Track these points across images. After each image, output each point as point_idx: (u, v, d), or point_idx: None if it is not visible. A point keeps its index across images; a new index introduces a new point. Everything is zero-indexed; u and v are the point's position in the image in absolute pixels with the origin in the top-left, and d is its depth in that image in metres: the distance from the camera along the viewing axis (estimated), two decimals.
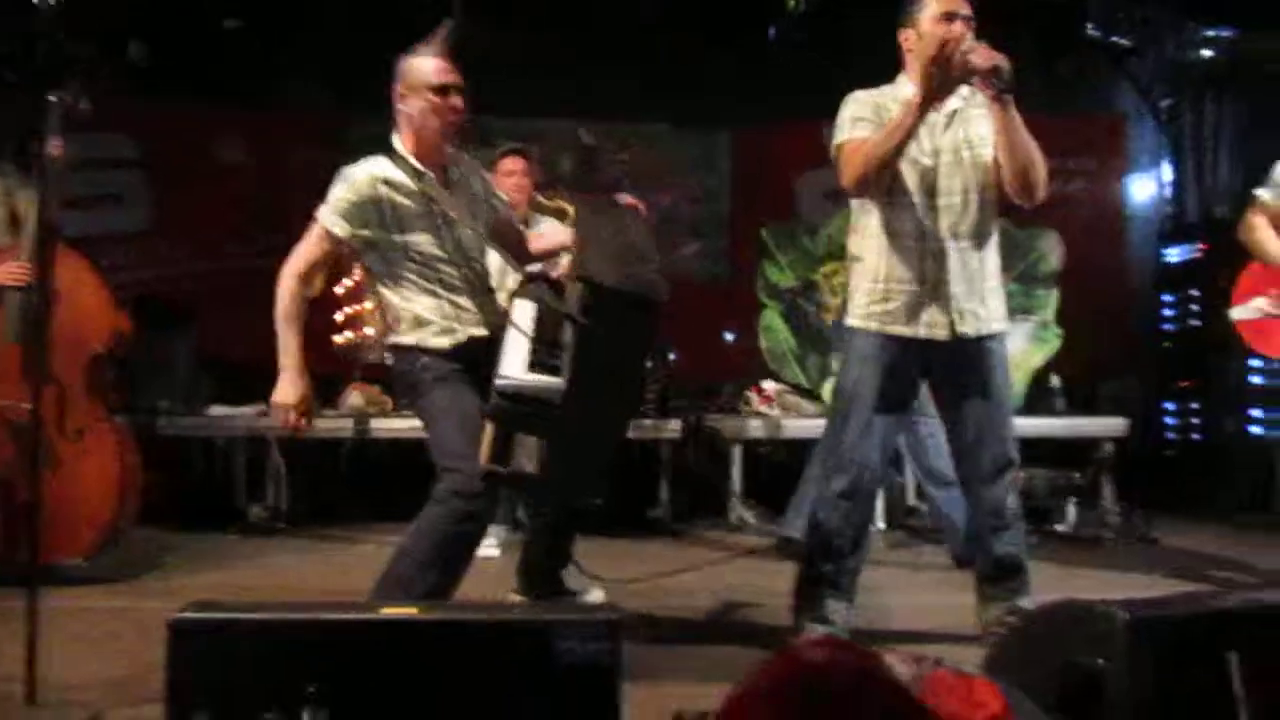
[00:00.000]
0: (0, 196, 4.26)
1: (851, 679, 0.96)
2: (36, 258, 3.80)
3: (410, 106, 2.98)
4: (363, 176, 2.94)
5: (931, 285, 3.05)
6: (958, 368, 3.12)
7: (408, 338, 3.00)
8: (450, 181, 3.06)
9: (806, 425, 5.54)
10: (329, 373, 5.68)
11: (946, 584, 4.15)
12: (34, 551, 2.56)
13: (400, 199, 2.95)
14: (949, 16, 2.98)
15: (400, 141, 3.02)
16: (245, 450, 5.53)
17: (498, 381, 2.69)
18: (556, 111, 6.72)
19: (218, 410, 5.58)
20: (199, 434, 5.68)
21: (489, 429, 2.71)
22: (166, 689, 1.87)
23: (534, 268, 3.22)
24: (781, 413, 5.72)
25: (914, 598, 3.97)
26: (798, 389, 5.95)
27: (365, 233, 2.94)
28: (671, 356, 5.80)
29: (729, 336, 6.87)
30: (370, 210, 2.93)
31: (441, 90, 2.95)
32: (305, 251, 2.97)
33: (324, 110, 6.65)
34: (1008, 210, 3.17)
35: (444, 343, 2.97)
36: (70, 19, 4.05)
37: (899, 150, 2.94)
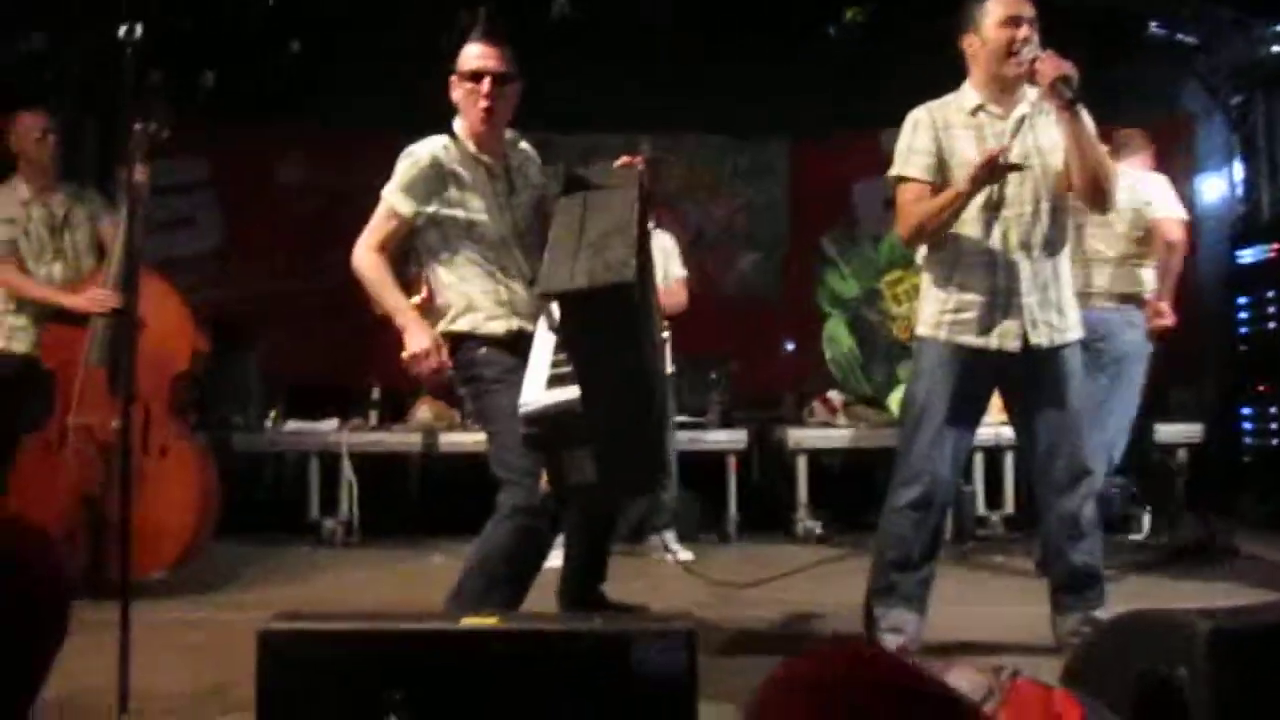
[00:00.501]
0: (86, 222, 4.42)
1: (878, 690, 0.96)
2: (122, 282, 3.98)
3: (455, 93, 3.01)
4: (425, 153, 2.97)
5: (1003, 295, 3.03)
6: (1031, 378, 3.09)
7: (461, 324, 2.99)
8: (510, 169, 3.06)
9: (873, 435, 5.54)
10: (397, 388, 5.85)
11: (1019, 595, 4.11)
12: (126, 567, 2.65)
13: (463, 173, 2.97)
14: (1013, 21, 2.96)
15: (458, 126, 3.04)
16: (318, 465, 5.61)
17: (520, 410, 2.62)
18: (615, 125, 6.67)
19: (292, 425, 5.69)
20: (274, 449, 5.80)
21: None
22: (257, 698, 1.92)
23: None
24: (848, 423, 5.71)
25: (987, 609, 3.93)
26: (864, 399, 5.95)
27: (429, 209, 2.95)
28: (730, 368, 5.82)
29: (789, 346, 6.88)
30: (435, 183, 2.94)
31: (474, 76, 2.95)
32: (374, 229, 2.98)
33: (387, 128, 6.73)
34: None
35: (498, 328, 2.96)
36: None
37: (949, 224, 2.98)
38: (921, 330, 3.17)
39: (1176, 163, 7.03)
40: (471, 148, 3.00)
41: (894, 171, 3.11)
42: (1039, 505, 3.24)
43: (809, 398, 5.94)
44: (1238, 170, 7.02)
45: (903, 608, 3.11)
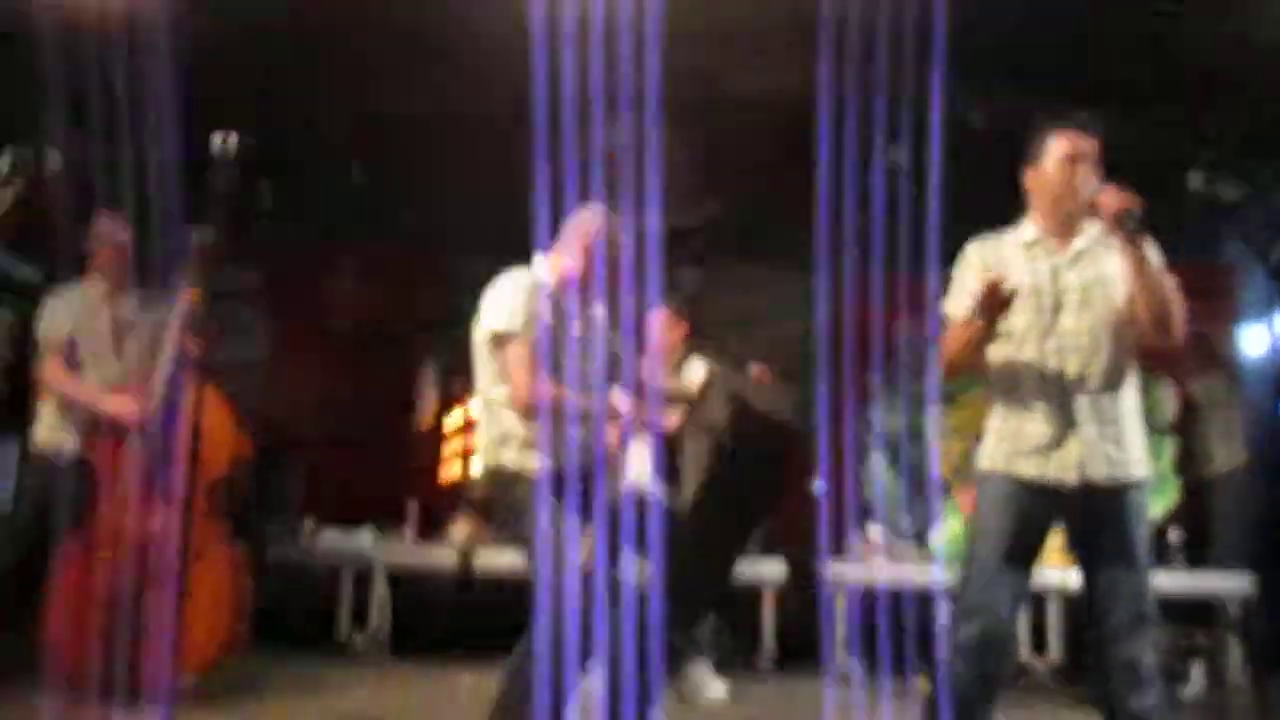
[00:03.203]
0: (151, 328, 4.41)
1: None
2: (168, 389, 4.03)
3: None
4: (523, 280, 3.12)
5: (1059, 427, 2.98)
6: (1089, 516, 3.01)
7: (511, 460, 3.04)
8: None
9: (914, 573, 5.45)
10: (435, 505, 5.89)
11: None
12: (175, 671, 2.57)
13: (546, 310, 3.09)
14: (1073, 159, 3.00)
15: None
16: (351, 579, 5.57)
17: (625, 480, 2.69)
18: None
19: (327, 537, 5.66)
20: (308, 561, 5.75)
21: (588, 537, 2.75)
22: None
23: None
24: (888, 560, 5.62)
25: None
26: (903, 536, 5.89)
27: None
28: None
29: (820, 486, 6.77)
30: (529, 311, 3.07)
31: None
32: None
33: (434, 249, 6.89)
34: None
35: (548, 465, 2.98)
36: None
37: (974, 354, 3.02)
38: (981, 464, 3.12)
39: (1220, 311, 7.04)
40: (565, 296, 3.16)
41: (945, 305, 3.15)
42: (1095, 652, 3.07)
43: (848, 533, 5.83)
44: None
45: None
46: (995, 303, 2.89)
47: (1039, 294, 3.03)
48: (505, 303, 3.07)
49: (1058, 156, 3.03)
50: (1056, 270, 3.05)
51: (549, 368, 3.03)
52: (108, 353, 4.37)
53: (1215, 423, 5.77)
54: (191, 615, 3.87)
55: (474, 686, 4.70)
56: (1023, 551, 3.03)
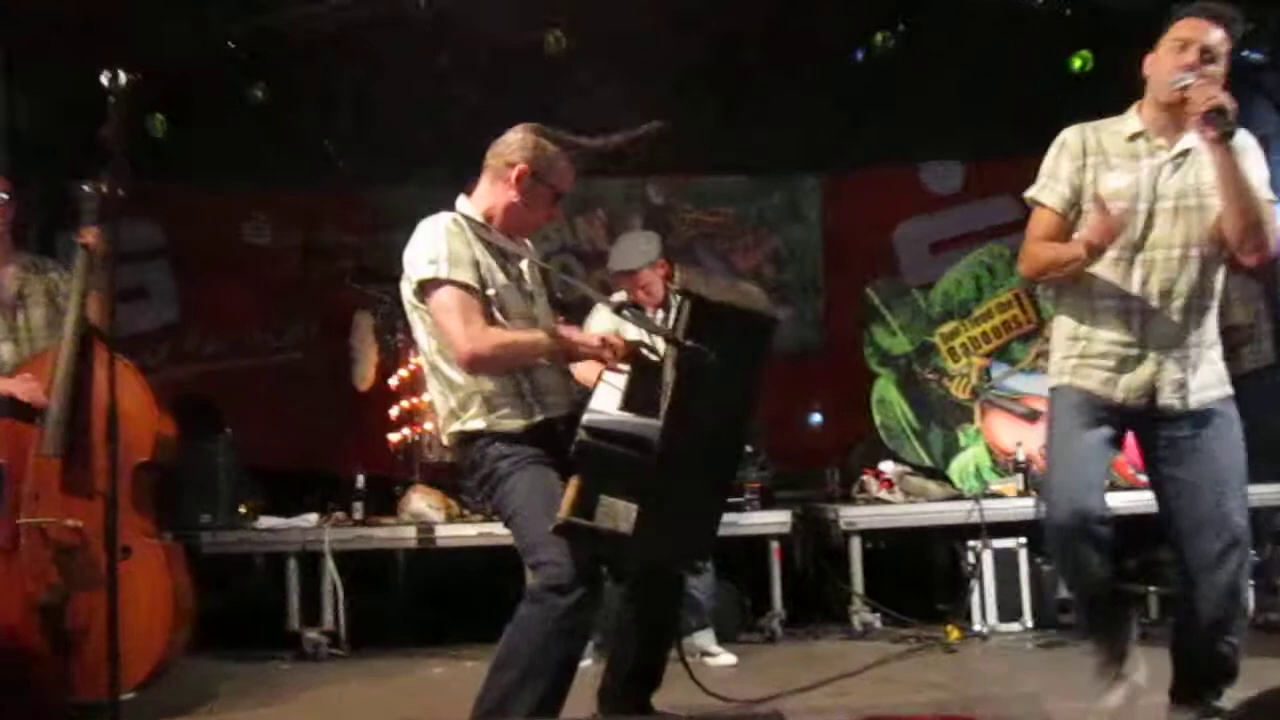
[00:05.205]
0: (44, 298, 4.42)
1: None
2: (73, 358, 4.03)
3: (519, 185, 3.17)
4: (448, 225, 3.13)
5: (1135, 346, 3.12)
6: (1166, 440, 3.16)
7: (476, 422, 3.07)
8: (521, 266, 3.27)
9: (934, 511, 5.54)
10: (385, 475, 5.93)
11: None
12: (114, 684, 2.62)
13: (490, 259, 3.13)
14: (1184, 44, 3.04)
15: (477, 207, 3.23)
16: (297, 567, 5.56)
17: (586, 417, 2.76)
18: (619, 168, 6.54)
19: (266, 523, 5.66)
20: (247, 550, 5.76)
21: (573, 480, 2.78)
22: None
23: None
24: (904, 498, 5.69)
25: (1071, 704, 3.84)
26: (921, 469, 5.94)
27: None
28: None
29: (816, 419, 6.89)
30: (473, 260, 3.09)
31: (558, 197, 3.27)
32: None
33: (357, 190, 6.91)
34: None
35: (517, 425, 3.05)
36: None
37: (1074, 277, 3.15)
38: (1050, 379, 3.29)
39: None
40: (496, 236, 3.16)
41: (1030, 193, 3.26)
42: (1181, 582, 3.22)
43: (858, 470, 5.93)
44: None
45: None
46: (1109, 239, 3.01)
47: (1136, 195, 3.10)
48: (427, 247, 3.07)
49: (1171, 40, 3.08)
50: (1157, 172, 3.12)
51: (487, 314, 3.06)
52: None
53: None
54: (124, 622, 3.80)
55: (443, 679, 4.82)
56: (1099, 455, 3.17)
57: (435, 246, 3.05)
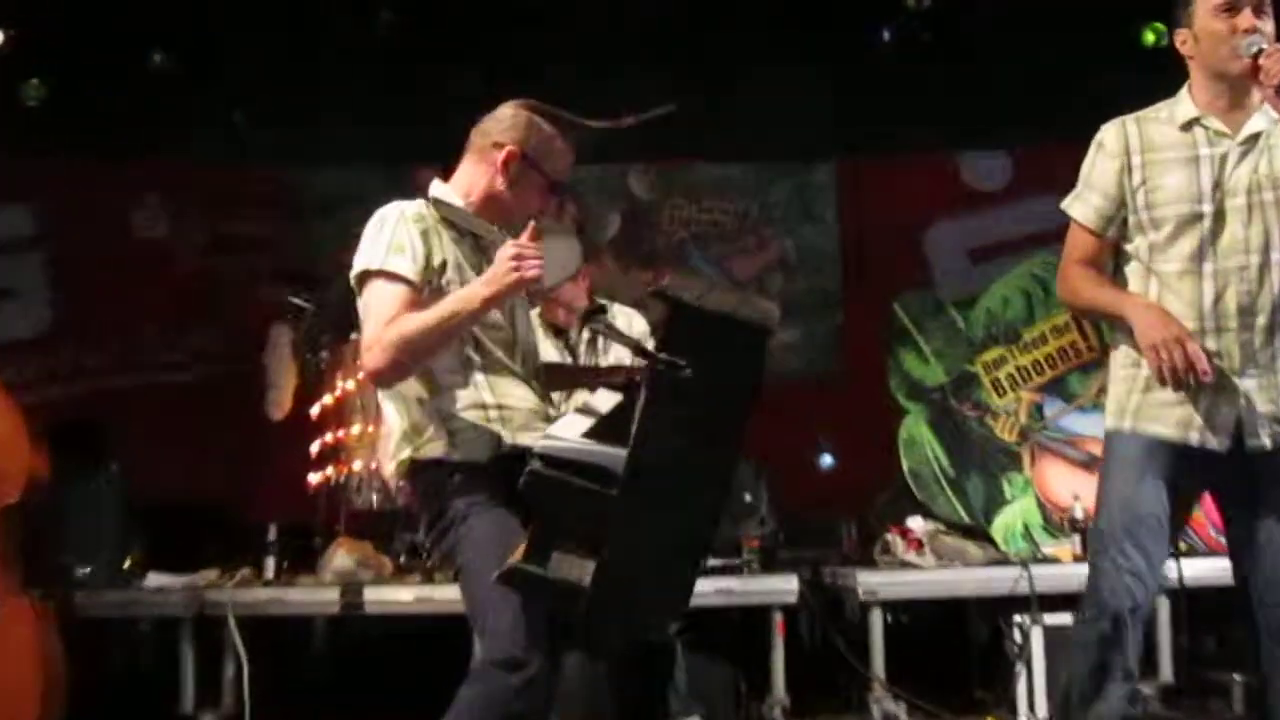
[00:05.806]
0: None
1: None
2: None
3: (508, 168, 3.15)
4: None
5: (1211, 376, 3.01)
6: (1248, 484, 3.09)
7: (432, 448, 2.99)
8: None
9: (972, 578, 5.39)
10: (303, 524, 5.82)
11: None
12: None
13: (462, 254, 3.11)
14: (1232, 6, 3.00)
15: (456, 192, 3.20)
16: (193, 634, 5.37)
17: (540, 443, 2.76)
18: (599, 155, 6.82)
19: (156, 580, 5.47)
20: (133, 614, 5.59)
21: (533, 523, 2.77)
22: None
23: None
24: (937, 562, 5.51)
25: None
26: (957, 527, 5.81)
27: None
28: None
29: (829, 462, 6.90)
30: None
31: (554, 186, 3.28)
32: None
33: (269, 165, 6.89)
34: None
35: (483, 455, 2.96)
36: None
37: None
38: (1108, 421, 3.21)
39: None
40: (476, 223, 3.13)
41: (1064, 203, 3.26)
42: (1261, 651, 3.18)
43: (881, 526, 5.75)
44: None
45: None
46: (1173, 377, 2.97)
47: (1197, 195, 3.06)
48: (369, 236, 3.01)
49: (1211, 5, 3.05)
50: (1222, 161, 3.07)
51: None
52: None
53: None
54: None
55: None
56: (1162, 526, 3.10)
57: (378, 234, 3.01)
